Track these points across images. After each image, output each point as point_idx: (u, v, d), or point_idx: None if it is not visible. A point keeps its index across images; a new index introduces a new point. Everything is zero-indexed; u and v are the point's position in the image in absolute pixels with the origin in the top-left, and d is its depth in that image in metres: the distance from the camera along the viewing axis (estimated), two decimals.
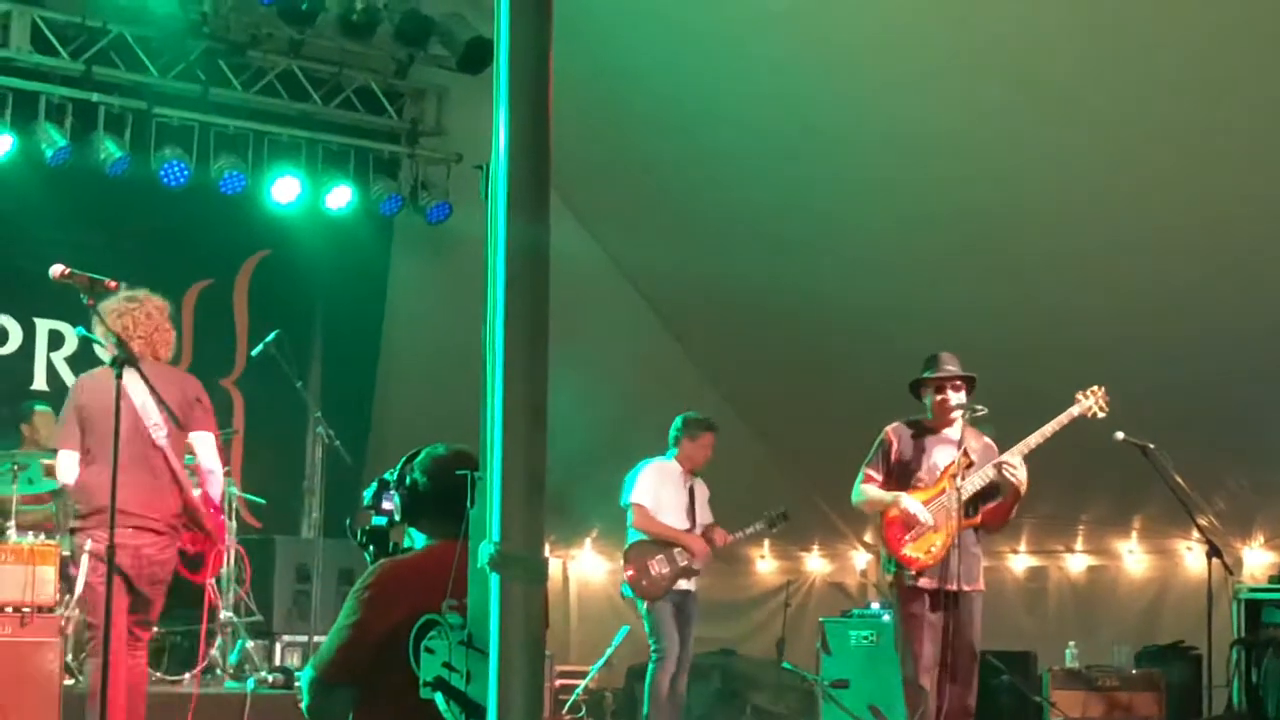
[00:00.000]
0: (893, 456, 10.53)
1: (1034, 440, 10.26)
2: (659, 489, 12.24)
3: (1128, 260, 12.28)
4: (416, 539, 5.69)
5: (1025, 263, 12.79)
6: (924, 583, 10.26)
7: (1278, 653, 11.31)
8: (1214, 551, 11.27)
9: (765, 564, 17.40)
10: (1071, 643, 12.52)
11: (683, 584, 12.28)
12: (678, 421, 12.37)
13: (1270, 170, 11.17)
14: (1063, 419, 10.35)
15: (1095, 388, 10.53)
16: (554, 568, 16.11)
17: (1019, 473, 10.21)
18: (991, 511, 10.40)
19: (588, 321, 13.56)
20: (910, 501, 10.32)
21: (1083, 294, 12.69)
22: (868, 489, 10.56)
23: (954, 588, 10.21)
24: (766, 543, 17.22)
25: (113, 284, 8.76)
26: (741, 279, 14.45)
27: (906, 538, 10.30)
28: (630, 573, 12.17)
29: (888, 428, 10.63)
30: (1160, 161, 11.53)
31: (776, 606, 16.20)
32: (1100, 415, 10.45)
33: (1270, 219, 11.46)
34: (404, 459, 5.73)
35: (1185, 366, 12.64)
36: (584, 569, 17.01)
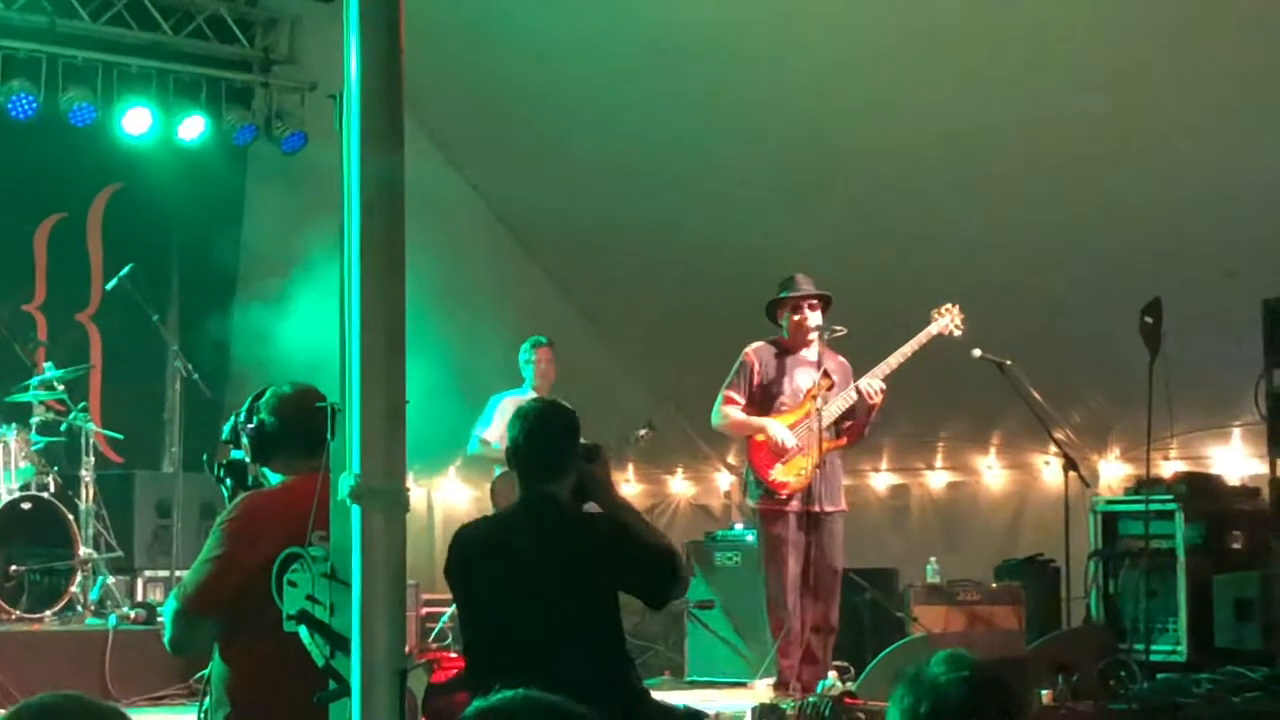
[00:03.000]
0: (755, 379, 10.62)
1: (894, 360, 10.46)
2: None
3: (983, 185, 12.40)
4: (270, 478, 5.67)
5: (883, 191, 12.88)
6: (793, 505, 10.40)
7: (1134, 563, 11.47)
8: (1070, 465, 11.41)
9: (629, 488, 17.39)
10: (932, 558, 12.65)
11: None
12: (521, 350, 12.66)
13: (1119, 95, 11.32)
14: (921, 338, 10.58)
15: (950, 305, 10.73)
16: (418, 498, 16.07)
17: (877, 396, 10.40)
18: (848, 429, 10.60)
19: (447, 249, 13.51)
20: (778, 428, 10.44)
21: (940, 219, 12.79)
22: (730, 411, 10.65)
23: (819, 509, 10.36)
24: (631, 466, 17.23)
25: None
26: (603, 205, 14.41)
27: (777, 463, 10.41)
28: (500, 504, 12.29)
29: (748, 349, 10.71)
30: (1016, 93, 11.68)
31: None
32: (957, 333, 10.66)
33: (1114, 141, 11.63)
34: (250, 399, 5.71)
35: (1040, 285, 12.77)
36: (448, 498, 16.96)
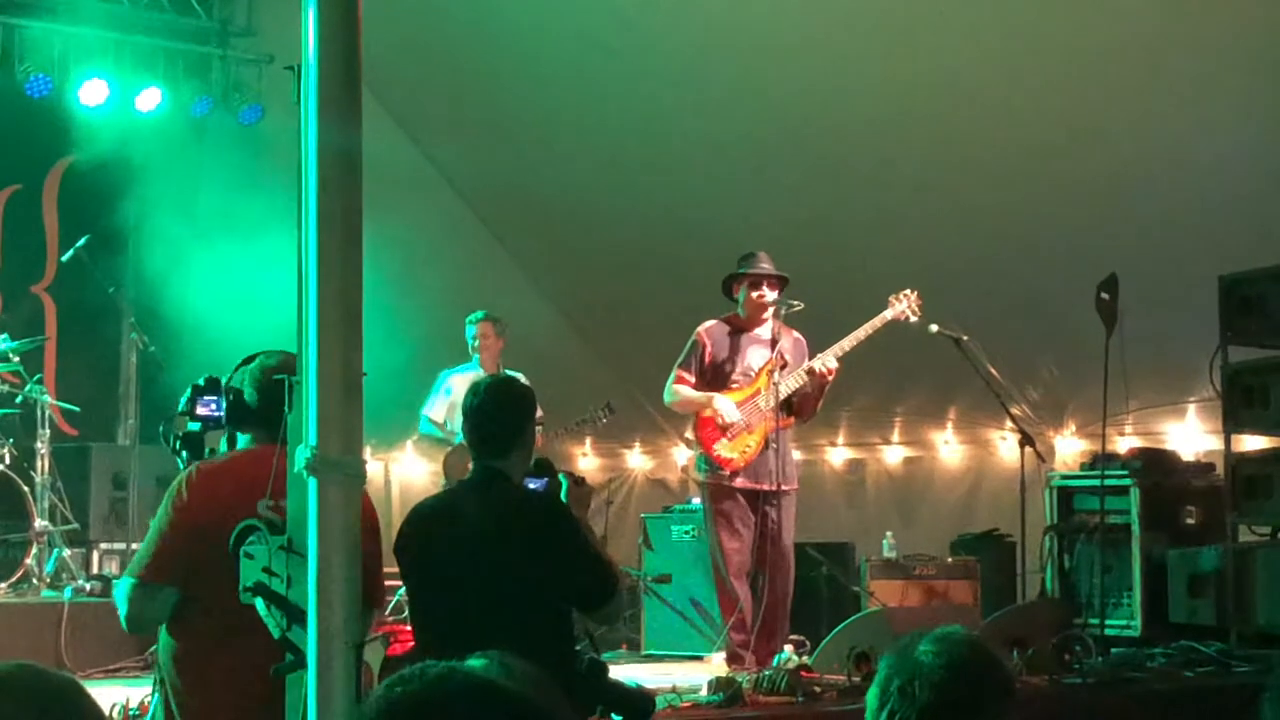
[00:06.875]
0: (706, 358, 10.64)
1: (848, 343, 10.50)
2: (458, 398, 12.40)
3: (942, 164, 12.45)
4: (240, 440, 5.66)
5: (843, 171, 12.92)
6: (739, 482, 10.44)
7: (1089, 538, 11.52)
8: (1026, 440, 11.45)
9: (587, 461, 17.43)
10: (889, 533, 12.67)
11: None
12: (466, 326, 12.64)
13: (1073, 76, 11.40)
14: (876, 322, 10.61)
15: (908, 291, 10.77)
16: (375, 471, 16.05)
17: (829, 376, 10.44)
18: (799, 406, 10.62)
19: (404, 223, 13.47)
20: (723, 402, 10.46)
21: (898, 198, 12.84)
22: (680, 389, 10.69)
23: (769, 487, 10.38)
24: (588, 441, 17.25)
25: None
26: (561, 180, 14.41)
27: (722, 438, 10.45)
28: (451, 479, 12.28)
29: (700, 329, 10.72)
30: (974, 74, 11.74)
31: (599, 504, 16.26)
32: (913, 319, 10.69)
33: (1070, 120, 11.69)
34: (239, 364, 5.68)
35: (997, 261, 12.81)
36: (406, 471, 16.96)
